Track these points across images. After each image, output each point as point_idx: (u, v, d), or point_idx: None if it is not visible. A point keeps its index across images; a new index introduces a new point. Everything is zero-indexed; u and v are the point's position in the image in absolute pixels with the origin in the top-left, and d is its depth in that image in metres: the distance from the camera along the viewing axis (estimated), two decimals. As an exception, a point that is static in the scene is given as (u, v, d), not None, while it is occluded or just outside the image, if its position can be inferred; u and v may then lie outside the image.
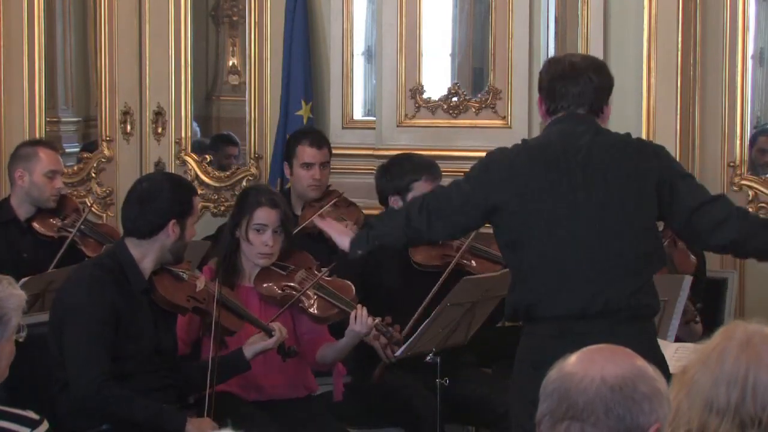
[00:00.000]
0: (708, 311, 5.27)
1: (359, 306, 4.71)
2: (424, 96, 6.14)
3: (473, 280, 4.67)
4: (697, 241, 4.12)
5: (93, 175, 7.05)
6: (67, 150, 7.21)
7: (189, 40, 6.84)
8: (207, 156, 6.96)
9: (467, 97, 6.12)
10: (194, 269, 4.67)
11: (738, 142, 6.04)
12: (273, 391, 4.72)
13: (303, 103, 6.46)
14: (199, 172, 6.88)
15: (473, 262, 5.13)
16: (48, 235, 5.60)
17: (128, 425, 4.21)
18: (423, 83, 6.14)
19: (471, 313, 4.68)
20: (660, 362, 3.60)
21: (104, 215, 6.86)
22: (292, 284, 4.75)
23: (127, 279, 4.29)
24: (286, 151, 6.01)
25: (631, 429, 2.21)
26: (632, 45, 5.97)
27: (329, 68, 6.50)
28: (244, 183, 6.80)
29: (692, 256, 5.18)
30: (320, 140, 5.89)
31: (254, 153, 6.80)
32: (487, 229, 4.19)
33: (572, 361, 2.28)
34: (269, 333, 4.47)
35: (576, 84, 3.94)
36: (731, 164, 6.05)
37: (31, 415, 2.99)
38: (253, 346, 4.45)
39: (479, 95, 6.11)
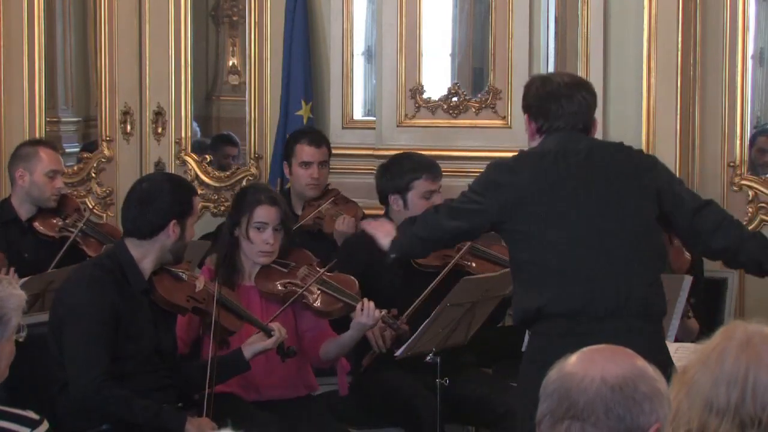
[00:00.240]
0: (708, 311, 5.27)
1: (365, 299, 4.72)
2: (424, 96, 6.14)
3: (473, 280, 4.67)
4: (699, 242, 4.13)
5: (93, 175, 7.05)
6: (67, 150, 7.21)
7: (189, 40, 6.84)
8: (207, 156, 6.96)
9: (467, 97, 6.12)
10: (194, 269, 4.67)
11: (738, 142, 6.04)
12: (273, 392, 4.73)
13: (303, 103, 6.47)
14: (199, 172, 6.88)
15: (473, 262, 5.13)
16: (49, 234, 5.60)
17: (128, 425, 4.21)
18: (423, 83, 6.14)
19: (471, 313, 4.68)
20: (668, 361, 3.63)
21: (104, 215, 6.86)
22: (294, 281, 4.75)
23: (127, 279, 4.29)
24: (285, 150, 6.02)
25: (631, 429, 2.21)
26: (632, 45, 5.97)
27: (329, 68, 6.50)
28: (244, 183, 6.80)
29: (686, 253, 5.18)
30: (319, 139, 5.91)
31: (254, 153, 6.80)
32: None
33: (572, 361, 2.29)
34: (268, 333, 4.47)
35: (571, 103, 4.02)
36: (731, 164, 6.05)
37: (31, 415, 2.99)
38: (253, 346, 4.45)
39: (479, 95, 6.11)
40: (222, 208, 6.78)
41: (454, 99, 6.13)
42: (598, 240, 3.89)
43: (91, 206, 6.57)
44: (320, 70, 6.57)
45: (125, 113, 6.96)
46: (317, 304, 4.75)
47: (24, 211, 5.64)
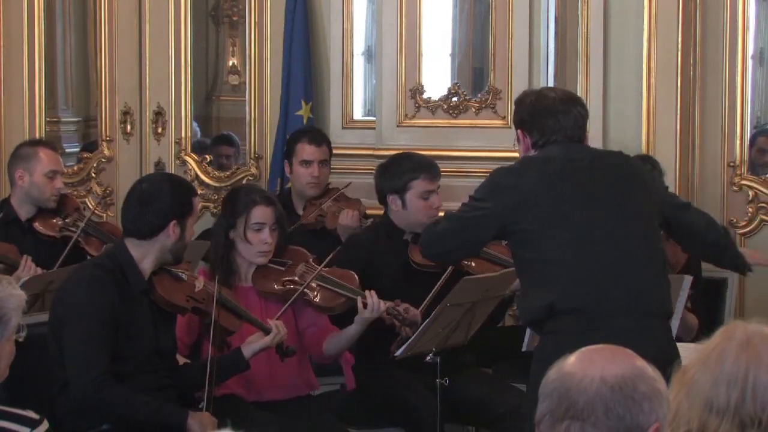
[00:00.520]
0: (708, 311, 5.27)
1: (368, 291, 4.72)
2: (424, 96, 6.14)
3: (473, 280, 4.67)
4: (695, 237, 4.24)
5: (93, 175, 7.05)
6: (67, 150, 7.21)
7: (189, 40, 6.84)
8: (207, 156, 6.96)
9: (467, 97, 6.12)
10: (194, 269, 4.67)
11: (738, 142, 6.05)
12: (274, 393, 4.72)
13: (303, 103, 6.47)
14: (199, 172, 6.88)
15: (473, 262, 5.13)
16: (50, 234, 5.60)
17: (129, 424, 4.21)
18: (423, 83, 6.14)
19: (471, 313, 4.68)
20: (676, 354, 3.68)
21: (104, 215, 6.86)
22: (293, 278, 4.75)
23: (127, 279, 4.28)
24: (286, 149, 6.02)
25: (630, 429, 2.21)
26: (632, 45, 5.97)
27: (329, 68, 6.50)
28: (244, 183, 6.80)
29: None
30: (319, 138, 5.92)
31: (254, 153, 6.80)
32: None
33: (572, 361, 2.29)
34: (268, 333, 4.47)
35: (568, 118, 4.07)
36: (731, 164, 6.06)
37: (31, 415, 2.99)
38: (252, 345, 4.44)
39: (479, 95, 6.11)
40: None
41: (454, 99, 6.13)
42: (605, 240, 3.93)
43: (92, 207, 6.56)
44: (320, 70, 6.57)
45: (125, 113, 6.96)
46: (318, 300, 4.75)
47: (24, 211, 5.64)
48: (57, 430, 3.26)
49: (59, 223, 5.62)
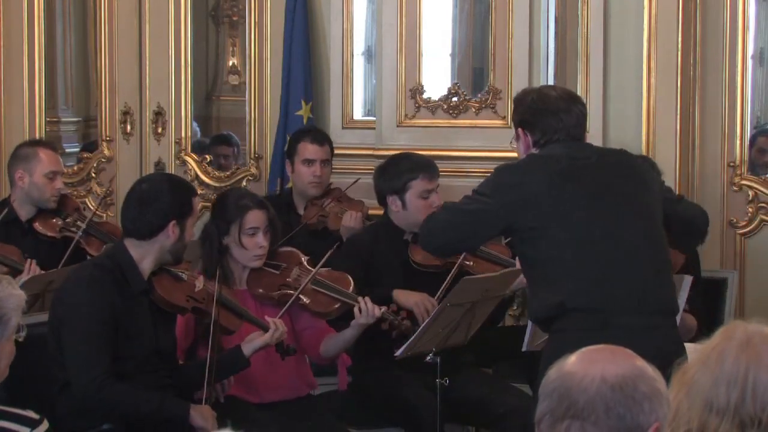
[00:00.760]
0: (708, 311, 5.27)
1: (362, 298, 4.71)
2: (424, 96, 6.14)
3: (473, 280, 4.67)
4: (693, 226, 4.30)
5: (93, 175, 7.05)
6: (67, 150, 7.21)
7: (189, 40, 6.84)
8: (207, 156, 6.96)
9: (467, 97, 6.12)
10: (194, 269, 4.67)
11: (738, 142, 6.05)
12: (275, 394, 4.72)
13: (303, 103, 6.47)
14: (199, 172, 6.88)
15: (473, 262, 5.13)
16: (50, 235, 5.60)
17: (132, 421, 4.21)
18: (423, 83, 6.13)
19: (471, 313, 4.68)
20: (682, 351, 3.67)
21: (104, 215, 6.86)
22: (288, 282, 4.74)
23: (126, 280, 4.28)
24: (288, 149, 6.02)
25: (631, 428, 2.21)
26: (632, 45, 5.97)
27: (329, 68, 6.50)
28: (244, 183, 6.80)
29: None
30: (322, 137, 5.92)
31: (254, 153, 6.80)
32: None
33: (572, 360, 2.29)
34: (267, 331, 4.47)
35: (570, 116, 4.07)
36: (731, 164, 6.06)
37: (31, 414, 2.99)
38: (252, 342, 4.44)
39: (479, 95, 6.11)
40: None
41: (454, 99, 6.13)
42: (611, 239, 3.92)
43: (93, 207, 6.55)
44: (320, 70, 6.57)
45: (125, 113, 6.96)
46: (314, 306, 4.73)
47: (24, 212, 5.64)
48: (57, 430, 3.26)
49: (59, 223, 5.62)
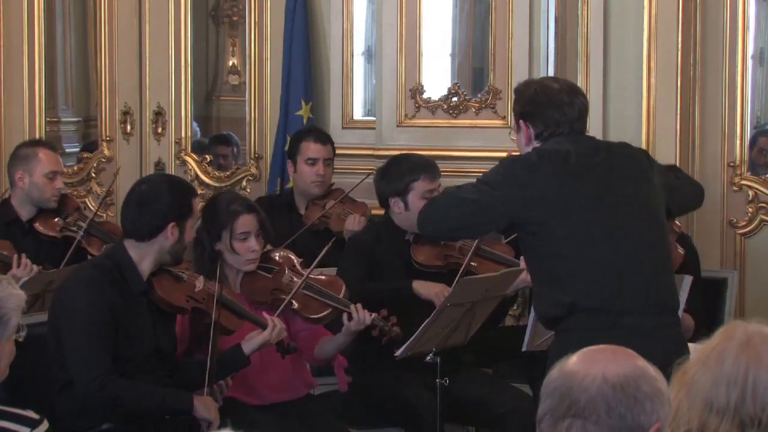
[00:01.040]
0: (708, 311, 5.27)
1: (353, 305, 4.70)
2: (424, 96, 6.14)
3: (473, 280, 4.67)
4: (690, 209, 4.45)
5: (93, 175, 7.05)
6: (67, 150, 7.22)
7: (189, 40, 6.85)
8: (207, 156, 6.96)
9: (467, 97, 6.12)
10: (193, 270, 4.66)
11: (738, 142, 6.05)
12: (274, 395, 4.71)
13: (303, 103, 6.47)
14: (199, 172, 6.88)
15: (474, 261, 5.13)
16: (50, 235, 5.60)
17: (132, 421, 4.21)
18: (423, 83, 6.14)
19: (471, 313, 4.68)
20: (686, 350, 3.68)
21: (104, 215, 6.86)
22: (281, 286, 4.72)
23: (126, 280, 4.28)
24: (289, 148, 6.01)
25: (632, 428, 2.21)
26: (632, 45, 5.97)
27: (329, 68, 6.50)
28: (244, 183, 6.81)
29: (680, 248, 5.17)
30: (324, 137, 5.93)
31: (254, 153, 6.80)
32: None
33: (574, 360, 2.29)
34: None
35: (573, 108, 4.01)
36: (731, 164, 6.06)
37: (31, 414, 2.99)
38: (251, 341, 4.43)
39: (479, 95, 6.11)
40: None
41: (454, 99, 6.13)
42: (623, 237, 3.90)
43: (94, 207, 6.56)
44: (320, 70, 6.57)
45: (125, 113, 6.96)
46: (306, 311, 4.71)
47: (24, 212, 5.64)
48: (57, 430, 3.26)
49: (60, 223, 5.63)
